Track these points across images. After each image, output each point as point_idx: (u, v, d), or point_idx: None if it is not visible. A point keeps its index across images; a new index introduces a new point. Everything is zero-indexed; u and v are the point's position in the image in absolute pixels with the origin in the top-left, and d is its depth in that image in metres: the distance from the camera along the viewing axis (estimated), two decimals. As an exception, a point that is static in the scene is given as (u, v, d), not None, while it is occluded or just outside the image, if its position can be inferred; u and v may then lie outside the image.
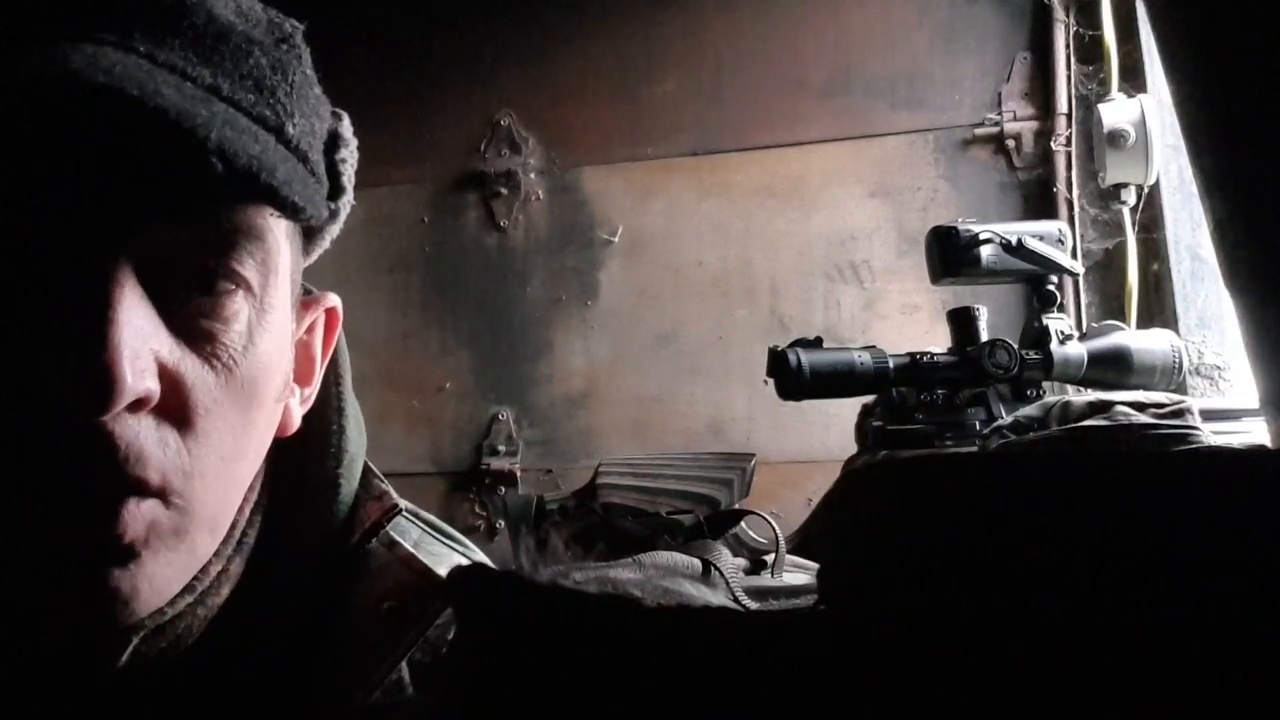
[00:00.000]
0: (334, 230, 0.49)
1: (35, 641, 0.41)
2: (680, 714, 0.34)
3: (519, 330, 1.70)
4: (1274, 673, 0.28)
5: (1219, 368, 1.27)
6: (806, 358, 0.77)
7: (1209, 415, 0.65)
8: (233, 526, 0.45)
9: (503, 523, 1.63)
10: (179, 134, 0.34)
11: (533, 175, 1.71)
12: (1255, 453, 0.37)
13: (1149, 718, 0.30)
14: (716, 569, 0.47)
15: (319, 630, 0.47)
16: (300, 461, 0.50)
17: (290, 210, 0.40)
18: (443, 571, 0.48)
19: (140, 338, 0.37)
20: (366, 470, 0.52)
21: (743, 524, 0.64)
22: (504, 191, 1.71)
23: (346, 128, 0.48)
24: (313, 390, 0.51)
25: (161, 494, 0.39)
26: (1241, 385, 1.23)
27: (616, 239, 1.67)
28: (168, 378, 0.38)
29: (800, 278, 1.60)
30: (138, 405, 0.37)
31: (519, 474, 1.65)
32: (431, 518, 0.55)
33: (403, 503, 0.51)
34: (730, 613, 0.38)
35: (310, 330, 0.51)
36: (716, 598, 0.44)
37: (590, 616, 0.38)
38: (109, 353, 0.35)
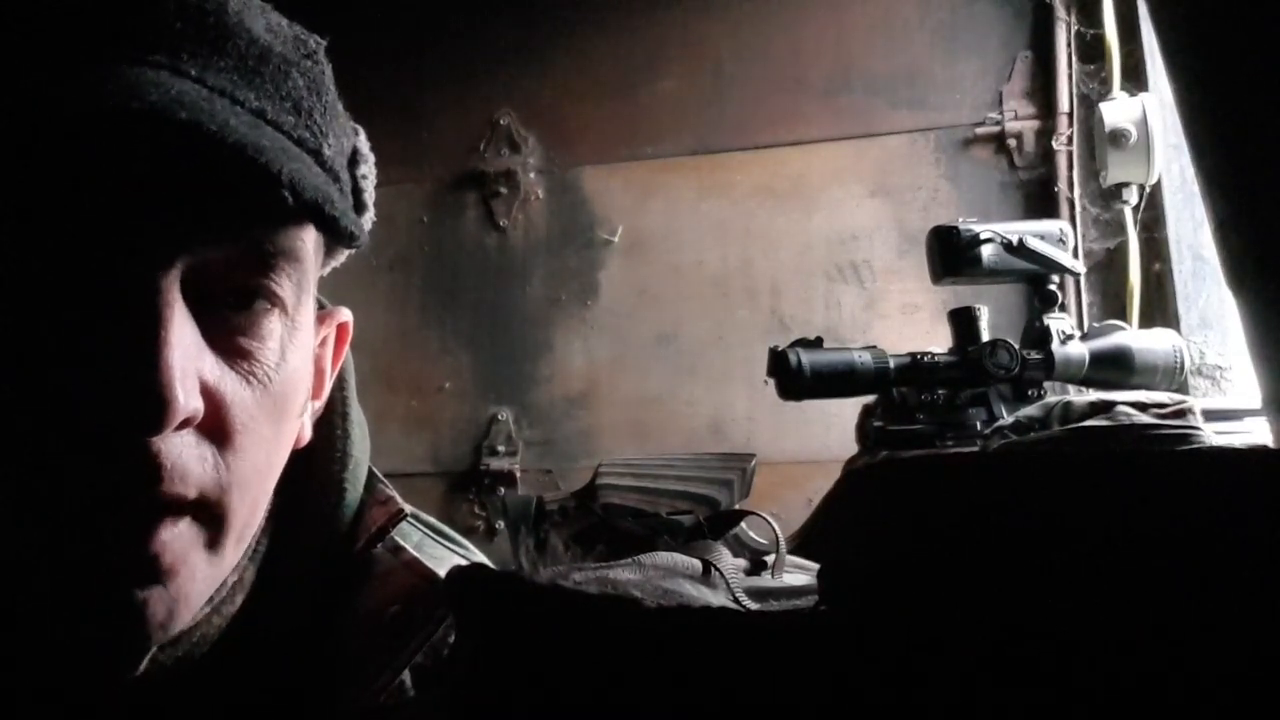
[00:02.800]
0: (354, 246, 0.49)
1: (58, 654, 0.40)
2: (680, 714, 0.34)
3: (519, 330, 1.69)
4: (1275, 671, 0.28)
5: (1221, 368, 1.27)
6: (807, 358, 0.77)
7: (1211, 415, 0.65)
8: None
9: (502, 523, 1.63)
10: (252, 167, 0.35)
11: (532, 175, 1.71)
12: (1257, 453, 0.37)
13: (1150, 716, 0.29)
14: (716, 569, 0.47)
15: (326, 634, 0.47)
16: (306, 468, 0.50)
17: (346, 239, 0.41)
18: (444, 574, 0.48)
19: (188, 358, 0.37)
20: (371, 475, 0.52)
21: (743, 524, 0.64)
22: (503, 191, 1.71)
23: (364, 142, 0.48)
24: (322, 403, 0.51)
25: (198, 508, 0.39)
26: (1243, 385, 1.23)
27: (616, 239, 1.67)
28: (209, 395, 0.39)
29: (801, 277, 1.60)
30: (183, 424, 0.37)
31: (519, 474, 1.65)
32: (432, 520, 0.56)
33: (406, 506, 0.51)
34: (730, 613, 0.38)
35: (322, 344, 0.51)
36: (716, 598, 0.44)
37: (590, 617, 0.38)
38: (162, 374, 0.35)
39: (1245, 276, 0.45)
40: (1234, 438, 0.67)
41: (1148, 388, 0.81)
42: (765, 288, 1.61)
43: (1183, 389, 0.86)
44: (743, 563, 0.54)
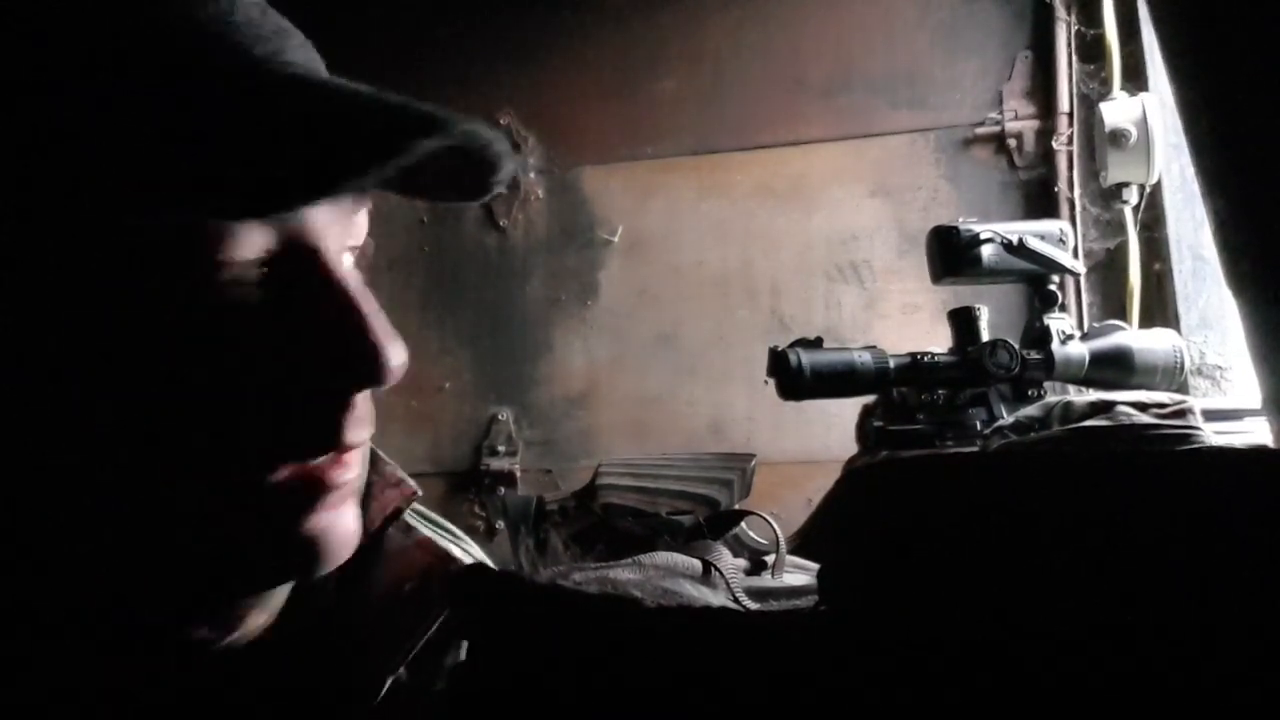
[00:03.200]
0: None
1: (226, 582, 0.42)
2: (680, 714, 0.34)
3: (519, 330, 1.69)
4: (1275, 671, 0.28)
5: (1221, 368, 1.27)
6: (807, 358, 0.77)
7: (1211, 415, 0.65)
8: None
9: (503, 523, 1.63)
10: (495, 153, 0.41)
11: (532, 175, 1.71)
12: (1257, 453, 0.37)
13: (1150, 715, 0.29)
14: (716, 569, 0.47)
15: (346, 612, 0.49)
16: None
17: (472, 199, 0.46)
18: (452, 552, 0.51)
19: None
20: (376, 456, 0.53)
21: (743, 524, 0.64)
22: (503, 191, 1.71)
23: None
24: None
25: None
26: (1243, 385, 1.23)
27: (616, 239, 1.67)
28: None
29: (800, 277, 1.60)
30: None
31: (519, 474, 1.65)
32: (431, 514, 0.57)
33: (418, 489, 0.53)
34: (730, 613, 0.38)
35: None
36: (716, 598, 0.44)
37: (590, 616, 0.38)
38: (382, 331, 0.40)
39: (1245, 276, 0.45)
40: (1234, 438, 0.67)
41: (1148, 388, 0.81)
42: (765, 288, 1.61)
43: (1183, 389, 0.86)
44: (743, 563, 0.54)
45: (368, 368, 0.39)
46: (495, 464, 1.65)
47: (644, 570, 0.46)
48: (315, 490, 0.40)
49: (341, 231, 0.41)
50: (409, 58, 1.74)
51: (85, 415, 0.36)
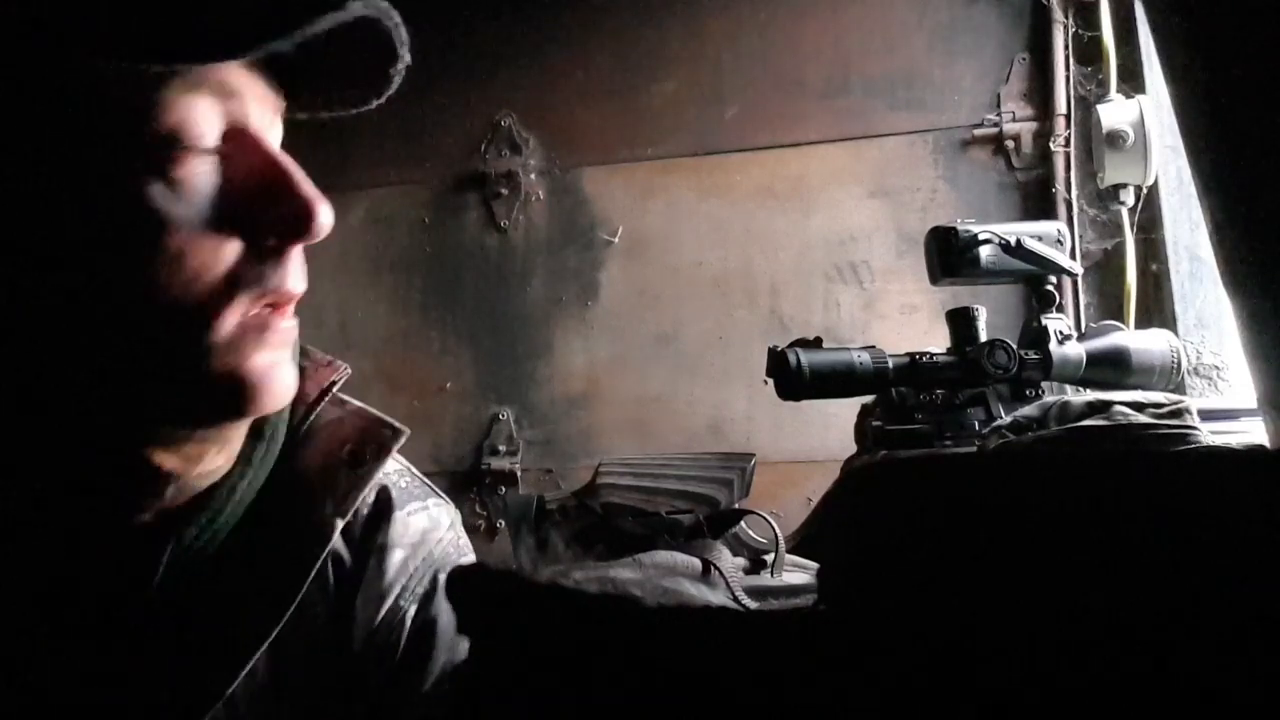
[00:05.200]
0: None
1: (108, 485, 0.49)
2: (680, 713, 0.35)
3: (519, 330, 1.70)
4: (1274, 670, 0.28)
5: (1217, 368, 1.28)
6: (806, 358, 0.77)
7: (1207, 415, 0.65)
8: None
9: (503, 523, 1.63)
10: (395, 39, 0.51)
11: (533, 176, 1.71)
12: (1253, 452, 0.38)
13: (1149, 714, 0.30)
14: (716, 569, 0.47)
15: (290, 473, 0.56)
16: None
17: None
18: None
19: None
20: (305, 348, 0.59)
21: (743, 524, 0.64)
22: (504, 192, 1.71)
23: None
24: None
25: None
26: (1240, 385, 1.23)
27: (617, 239, 1.67)
28: None
29: (800, 278, 1.60)
30: None
31: (519, 474, 1.65)
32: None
33: (348, 368, 0.60)
34: (730, 612, 0.38)
35: None
36: (716, 597, 0.45)
37: (590, 615, 0.38)
38: (309, 189, 0.47)
39: (1241, 277, 0.45)
40: (1230, 437, 0.68)
41: (1145, 388, 0.81)
42: (765, 288, 1.61)
43: (1179, 389, 0.87)
44: (742, 562, 0.54)
45: (302, 223, 0.46)
46: (496, 463, 1.65)
47: (644, 569, 0.47)
48: (261, 333, 0.47)
49: (271, 124, 0.48)
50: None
51: (64, 265, 0.43)
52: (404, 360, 1.72)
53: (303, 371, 0.57)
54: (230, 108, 0.46)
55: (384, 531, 0.59)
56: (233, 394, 0.46)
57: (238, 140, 0.46)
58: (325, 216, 0.47)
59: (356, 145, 1.74)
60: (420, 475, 0.65)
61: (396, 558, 0.58)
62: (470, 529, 1.43)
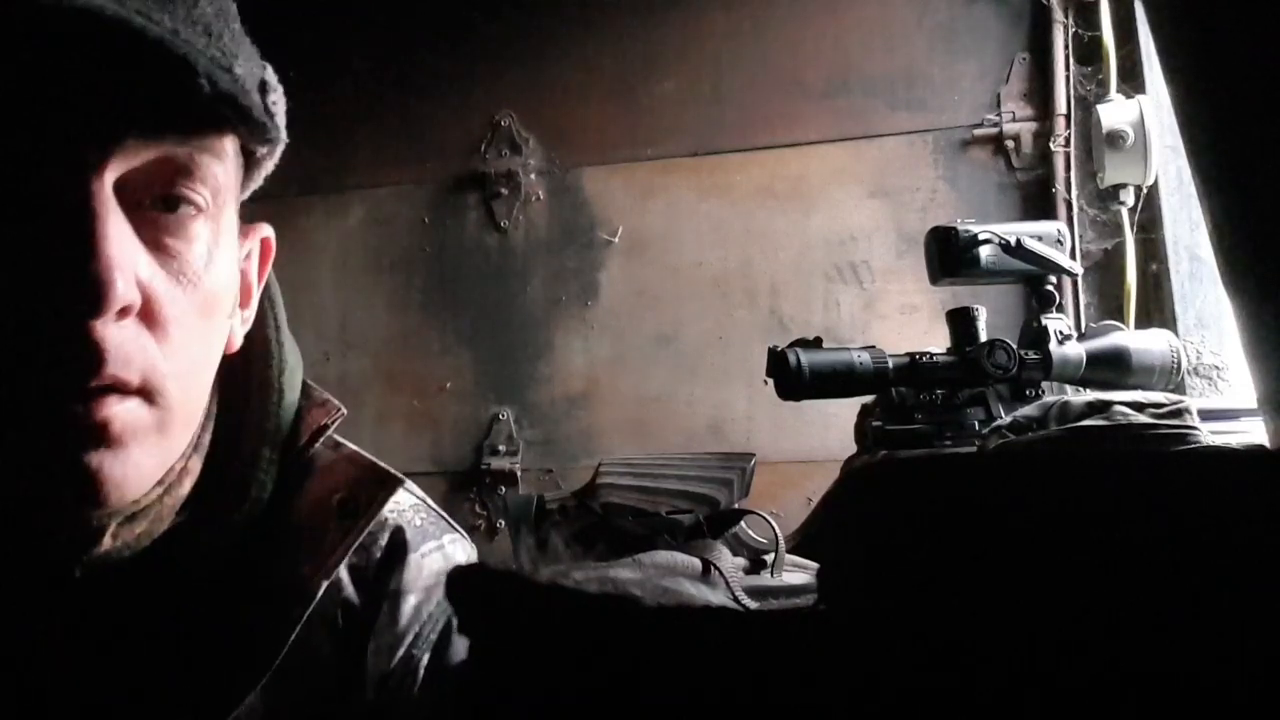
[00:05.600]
0: (269, 167, 0.53)
1: (23, 533, 0.45)
2: (679, 713, 0.35)
3: (519, 330, 1.70)
4: (1273, 671, 0.28)
5: (1217, 368, 1.28)
6: (806, 358, 0.77)
7: (1207, 415, 0.65)
8: None
9: (503, 523, 1.63)
10: (172, 60, 0.39)
11: (533, 175, 1.71)
12: (1254, 452, 0.38)
13: (1148, 715, 0.30)
14: (716, 569, 0.48)
15: (276, 522, 0.52)
16: (243, 373, 0.55)
17: (259, 131, 0.45)
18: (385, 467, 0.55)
19: (124, 252, 0.41)
20: (307, 384, 0.57)
21: (742, 524, 0.65)
22: (504, 192, 1.71)
23: (272, 76, 0.51)
24: (251, 313, 0.55)
25: (143, 392, 0.43)
26: (1240, 385, 1.23)
27: (616, 239, 1.67)
28: (144, 289, 0.43)
29: (800, 278, 1.60)
30: (123, 313, 0.41)
31: (519, 474, 1.65)
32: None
33: (344, 410, 0.56)
34: (730, 612, 0.38)
35: (248, 258, 0.55)
36: (716, 597, 0.45)
37: (590, 615, 0.38)
38: (101, 262, 0.39)
39: (1241, 277, 0.45)
40: (1230, 437, 0.68)
41: (1145, 388, 0.81)
42: (764, 288, 1.61)
43: (1179, 389, 0.87)
44: (742, 562, 0.54)
45: (86, 299, 0.39)
46: (496, 463, 1.65)
47: (644, 569, 0.47)
48: (76, 430, 0.41)
49: (128, 168, 0.41)
50: (409, 57, 1.74)
51: None
52: (404, 360, 1.72)
53: (299, 412, 0.55)
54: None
55: (397, 576, 0.55)
56: (57, 496, 0.43)
57: (50, 194, 0.41)
58: (114, 292, 0.40)
59: (356, 145, 1.75)
60: (436, 508, 0.61)
61: (410, 604, 0.55)
62: (470, 529, 1.44)
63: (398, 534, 0.56)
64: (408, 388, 1.72)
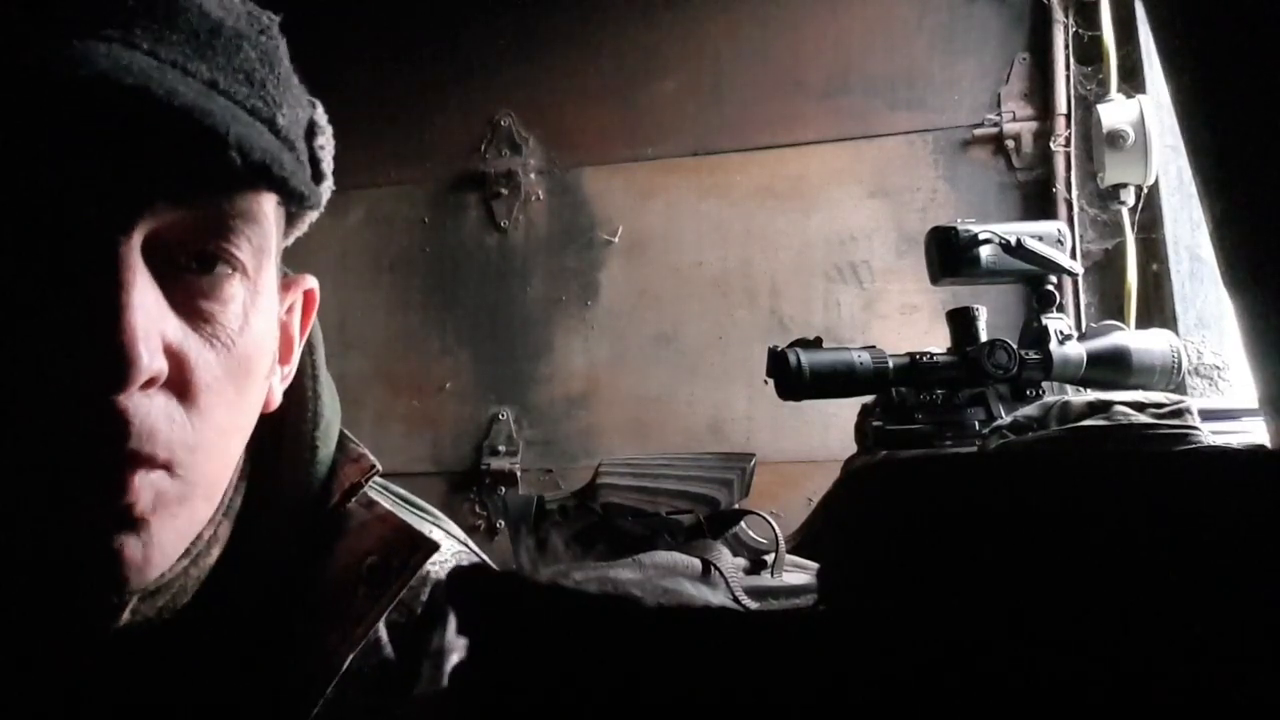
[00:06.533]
0: (313, 217, 0.51)
1: (41, 606, 0.43)
2: (680, 714, 0.35)
3: (519, 330, 1.70)
4: (1273, 672, 0.28)
5: (1218, 368, 1.28)
6: (806, 358, 0.77)
7: (1208, 415, 0.65)
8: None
9: (503, 523, 1.63)
10: (199, 130, 0.37)
11: (533, 175, 1.71)
12: (1255, 452, 0.38)
13: (1148, 715, 0.30)
14: (716, 569, 0.48)
15: (306, 586, 0.49)
16: (279, 429, 0.52)
17: (296, 199, 0.42)
18: (421, 528, 0.51)
19: (151, 319, 0.39)
20: (343, 436, 0.54)
21: (743, 524, 0.65)
22: (504, 192, 1.71)
23: (321, 115, 0.50)
24: (291, 368, 0.53)
25: (168, 466, 0.41)
26: (1240, 385, 1.23)
27: (616, 239, 1.67)
28: (173, 356, 0.40)
29: (800, 278, 1.60)
30: (148, 383, 0.39)
31: (519, 474, 1.65)
32: (400, 489, 0.57)
33: (378, 464, 0.53)
34: (730, 613, 0.38)
35: (290, 311, 0.53)
36: (716, 597, 0.45)
37: (590, 616, 0.38)
38: (125, 334, 0.37)
39: (1242, 277, 0.45)
40: (1231, 437, 0.68)
41: (1145, 388, 0.81)
42: (764, 288, 1.61)
43: (1180, 389, 0.87)
44: (742, 562, 0.54)
45: (110, 371, 0.37)
46: (496, 464, 1.65)
47: (644, 570, 0.47)
48: (97, 509, 0.39)
49: (159, 226, 0.39)
50: (409, 57, 1.74)
51: None
52: (404, 360, 1.72)
53: (333, 466, 0.52)
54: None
55: (439, 634, 0.51)
56: (74, 579, 0.41)
57: (76, 256, 0.40)
58: (138, 365, 0.38)
59: (356, 145, 1.74)
60: (479, 552, 0.57)
61: (453, 664, 0.51)
62: (470, 529, 1.44)
63: (439, 589, 0.52)
64: (407, 388, 1.72)
